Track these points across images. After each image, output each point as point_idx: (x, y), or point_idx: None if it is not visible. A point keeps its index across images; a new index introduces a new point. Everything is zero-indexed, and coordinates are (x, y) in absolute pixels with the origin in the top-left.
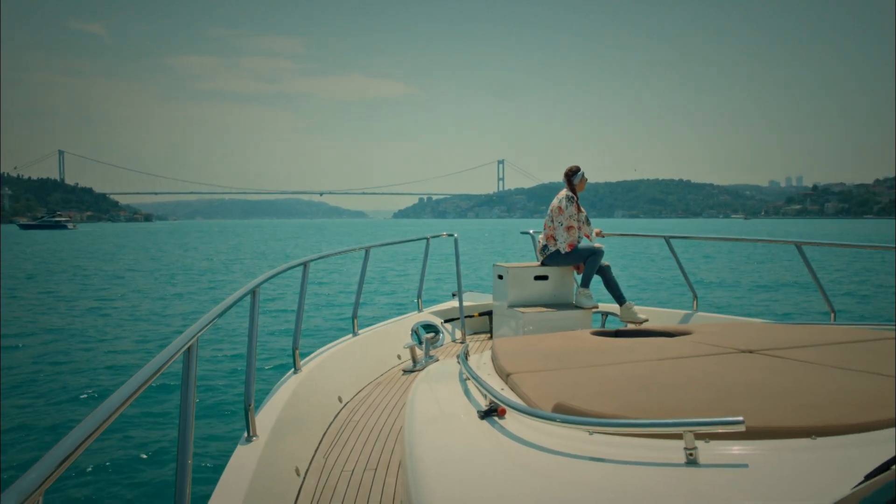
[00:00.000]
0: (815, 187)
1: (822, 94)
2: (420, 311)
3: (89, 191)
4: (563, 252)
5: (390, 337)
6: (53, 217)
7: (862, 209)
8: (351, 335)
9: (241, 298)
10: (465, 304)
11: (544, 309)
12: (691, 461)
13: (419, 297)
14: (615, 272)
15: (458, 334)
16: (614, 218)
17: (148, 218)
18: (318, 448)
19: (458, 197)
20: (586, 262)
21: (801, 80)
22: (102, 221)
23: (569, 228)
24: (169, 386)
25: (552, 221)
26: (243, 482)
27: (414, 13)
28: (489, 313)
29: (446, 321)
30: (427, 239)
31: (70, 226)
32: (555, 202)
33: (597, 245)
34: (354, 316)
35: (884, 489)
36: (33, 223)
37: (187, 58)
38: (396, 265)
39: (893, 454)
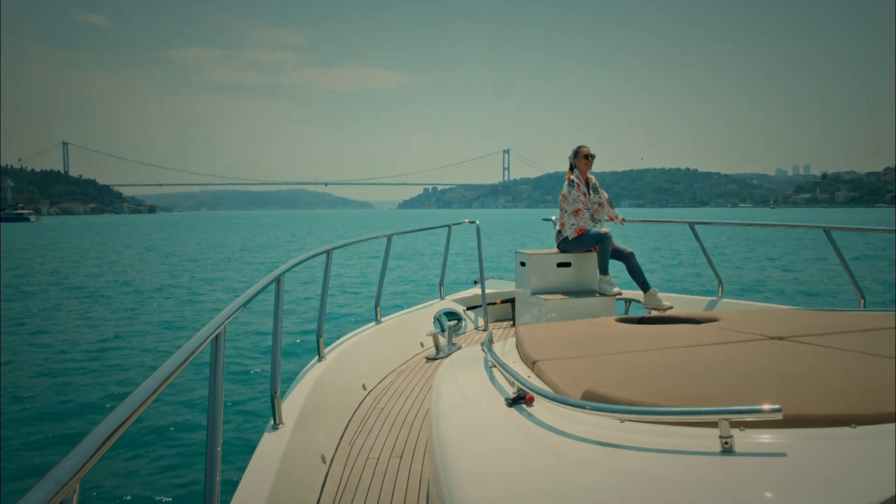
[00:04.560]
0: (824, 175)
1: (830, 83)
2: (442, 298)
3: (93, 182)
4: (570, 238)
5: (413, 324)
6: (15, 210)
7: (873, 198)
8: (374, 323)
9: (266, 286)
10: (486, 291)
11: (567, 296)
12: (727, 450)
13: (441, 284)
14: (638, 259)
15: (481, 322)
16: (620, 207)
17: (151, 210)
18: (342, 435)
19: (463, 187)
20: (598, 248)
21: (807, 68)
22: (106, 213)
23: (576, 212)
24: (195, 375)
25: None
26: (270, 469)
27: (415, 3)
28: (511, 301)
29: (468, 308)
30: (449, 227)
31: (32, 218)
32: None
33: (602, 230)
34: (377, 304)
35: None
36: None
37: (190, 50)
38: (410, 254)
39: None
